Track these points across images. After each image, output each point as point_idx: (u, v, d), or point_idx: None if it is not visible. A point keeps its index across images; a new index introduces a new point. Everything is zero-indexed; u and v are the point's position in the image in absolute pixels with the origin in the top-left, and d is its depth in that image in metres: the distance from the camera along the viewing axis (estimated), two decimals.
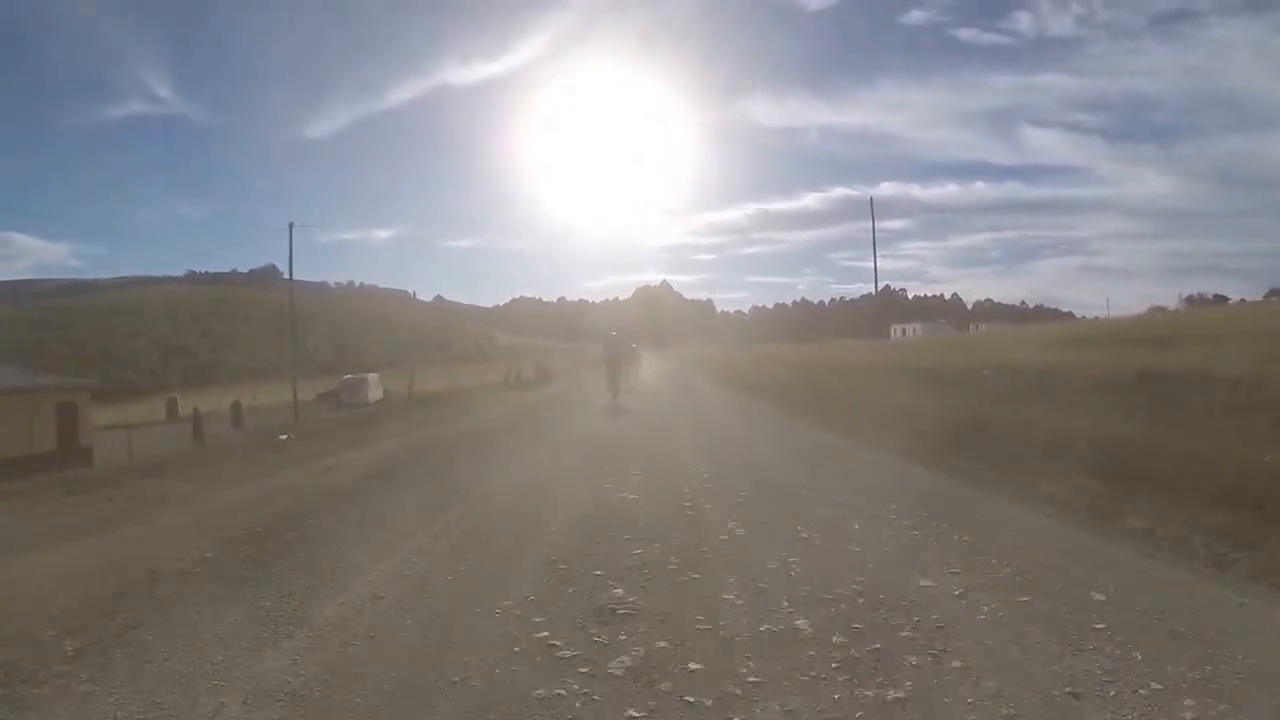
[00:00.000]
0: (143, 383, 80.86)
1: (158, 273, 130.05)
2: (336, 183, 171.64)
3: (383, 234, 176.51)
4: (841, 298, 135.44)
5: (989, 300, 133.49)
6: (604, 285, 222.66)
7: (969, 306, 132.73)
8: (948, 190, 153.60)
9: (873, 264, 72.22)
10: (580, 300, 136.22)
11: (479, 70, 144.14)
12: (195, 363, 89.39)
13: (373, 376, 45.97)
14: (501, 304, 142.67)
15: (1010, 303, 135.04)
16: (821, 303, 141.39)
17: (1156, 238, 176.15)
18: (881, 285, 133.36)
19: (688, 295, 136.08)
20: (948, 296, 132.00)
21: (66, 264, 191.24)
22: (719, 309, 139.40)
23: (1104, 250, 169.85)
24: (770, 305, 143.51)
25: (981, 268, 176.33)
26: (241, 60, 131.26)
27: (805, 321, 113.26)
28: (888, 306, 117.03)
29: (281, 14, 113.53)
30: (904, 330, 71.06)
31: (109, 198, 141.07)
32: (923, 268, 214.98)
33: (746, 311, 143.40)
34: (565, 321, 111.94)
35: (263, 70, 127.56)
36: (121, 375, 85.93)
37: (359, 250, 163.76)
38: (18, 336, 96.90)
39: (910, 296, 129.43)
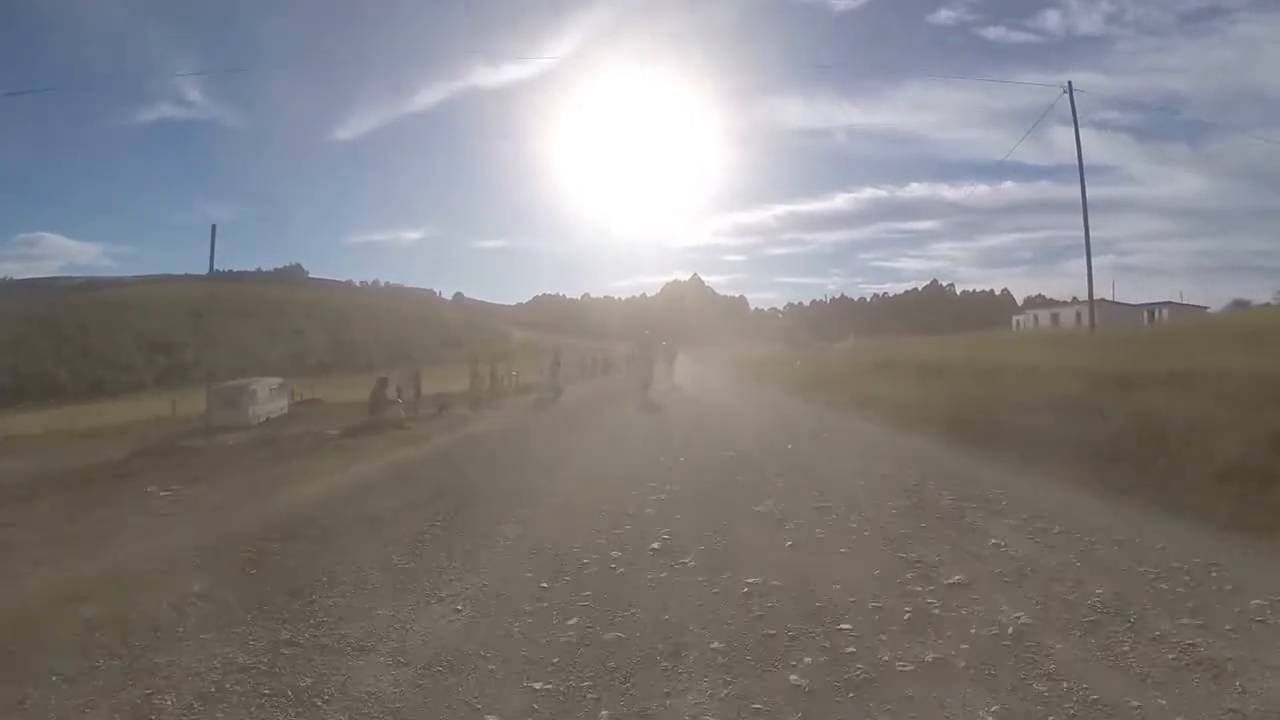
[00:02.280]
0: (110, 382, 71.50)
1: (184, 272, 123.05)
2: (366, 184, 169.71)
3: (412, 235, 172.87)
4: (884, 294, 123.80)
5: (1040, 296, 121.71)
6: (632, 285, 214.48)
7: (1019, 302, 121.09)
8: (977, 190, 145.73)
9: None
10: (605, 297, 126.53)
11: (508, 73, 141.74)
12: (177, 360, 79.32)
13: (270, 383, 32.00)
14: (524, 301, 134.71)
15: (1061, 298, 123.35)
16: (862, 299, 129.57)
17: (1187, 236, 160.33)
18: (927, 281, 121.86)
19: (719, 292, 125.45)
20: (997, 292, 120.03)
21: (98, 264, 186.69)
22: (752, 306, 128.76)
23: (1135, 250, 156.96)
24: (806, 302, 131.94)
25: (1012, 268, 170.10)
26: (271, 65, 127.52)
27: (847, 318, 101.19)
28: (935, 302, 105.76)
29: (311, 19, 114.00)
30: (1035, 318, 57.97)
31: (141, 199, 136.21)
32: (953, 268, 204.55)
33: (781, 309, 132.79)
34: (589, 319, 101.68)
35: (292, 74, 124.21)
36: (96, 373, 76.93)
37: (389, 251, 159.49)
38: None
39: (959, 292, 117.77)
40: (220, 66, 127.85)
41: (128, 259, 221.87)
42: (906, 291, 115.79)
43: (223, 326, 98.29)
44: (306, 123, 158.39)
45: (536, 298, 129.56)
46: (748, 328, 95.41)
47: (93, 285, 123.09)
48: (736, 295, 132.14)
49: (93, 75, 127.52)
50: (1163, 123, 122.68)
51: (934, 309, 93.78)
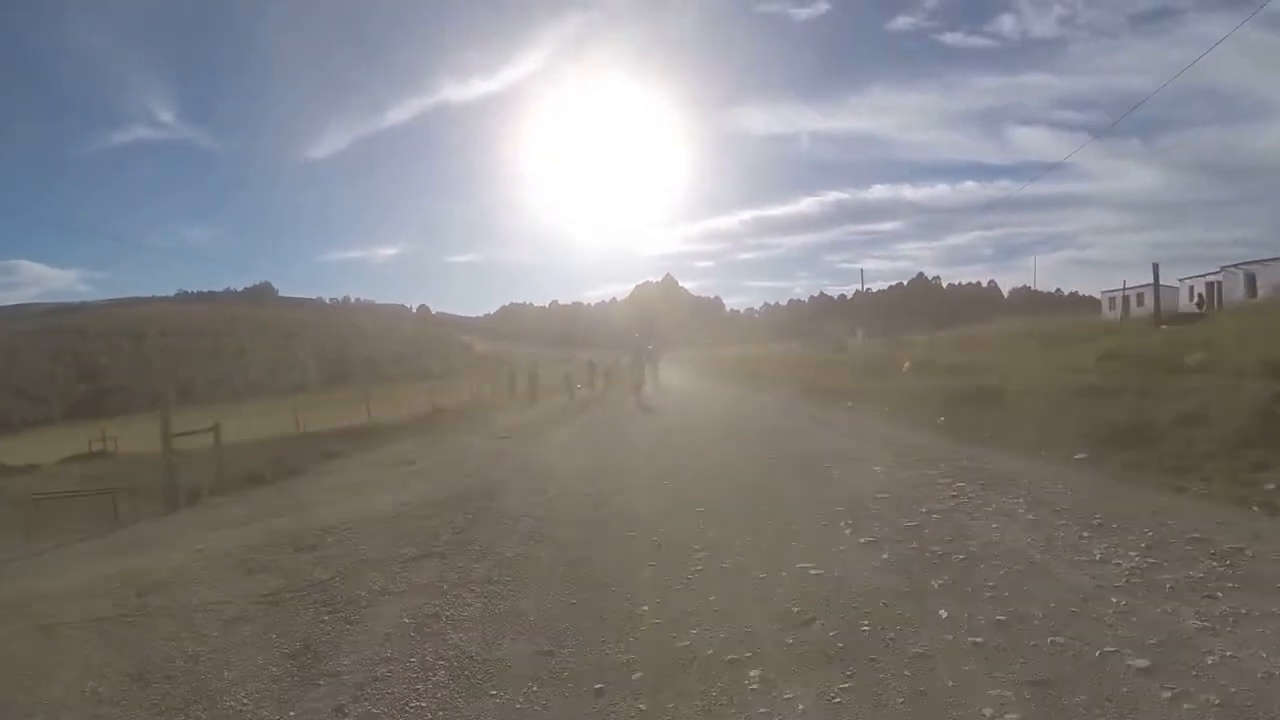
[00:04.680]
0: (18, 413, 61.94)
1: (157, 294, 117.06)
2: (340, 202, 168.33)
3: (386, 251, 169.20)
4: (867, 289, 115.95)
5: (1025, 288, 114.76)
6: (602, 294, 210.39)
7: (1005, 294, 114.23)
8: (938, 191, 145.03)
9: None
10: (574, 303, 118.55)
11: (477, 87, 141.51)
12: (101, 387, 70.53)
13: None
14: (491, 312, 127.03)
15: (1046, 290, 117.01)
16: (843, 296, 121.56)
17: (1143, 229, 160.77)
18: (913, 276, 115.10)
19: (693, 292, 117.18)
20: (985, 284, 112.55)
21: (74, 289, 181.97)
22: (728, 308, 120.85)
23: (1093, 243, 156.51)
24: (784, 302, 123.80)
25: (974, 265, 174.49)
26: (244, 85, 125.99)
27: (830, 316, 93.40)
28: (923, 296, 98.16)
29: (282, 39, 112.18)
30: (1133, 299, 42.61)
31: (116, 223, 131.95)
32: (917, 267, 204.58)
33: (758, 309, 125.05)
34: (556, 328, 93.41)
35: (265, 94, 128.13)
36: (4, 404, 67.82)
37: (364, 268, 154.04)
38: None
39: (945, 285, 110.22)
40: (194, 89, 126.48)
41: (103, 284, 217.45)
42: (891, 286, 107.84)
43: (165, 348, 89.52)
44: (280, 142, 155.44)
45: (504, 308, 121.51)
46: (730, 329, 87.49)
47: (60, 310, 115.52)
48: (712, 296, 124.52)
49: (68, 100, 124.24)
50: (1117, 120, 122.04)
51: (923, 303, 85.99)
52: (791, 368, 24.20)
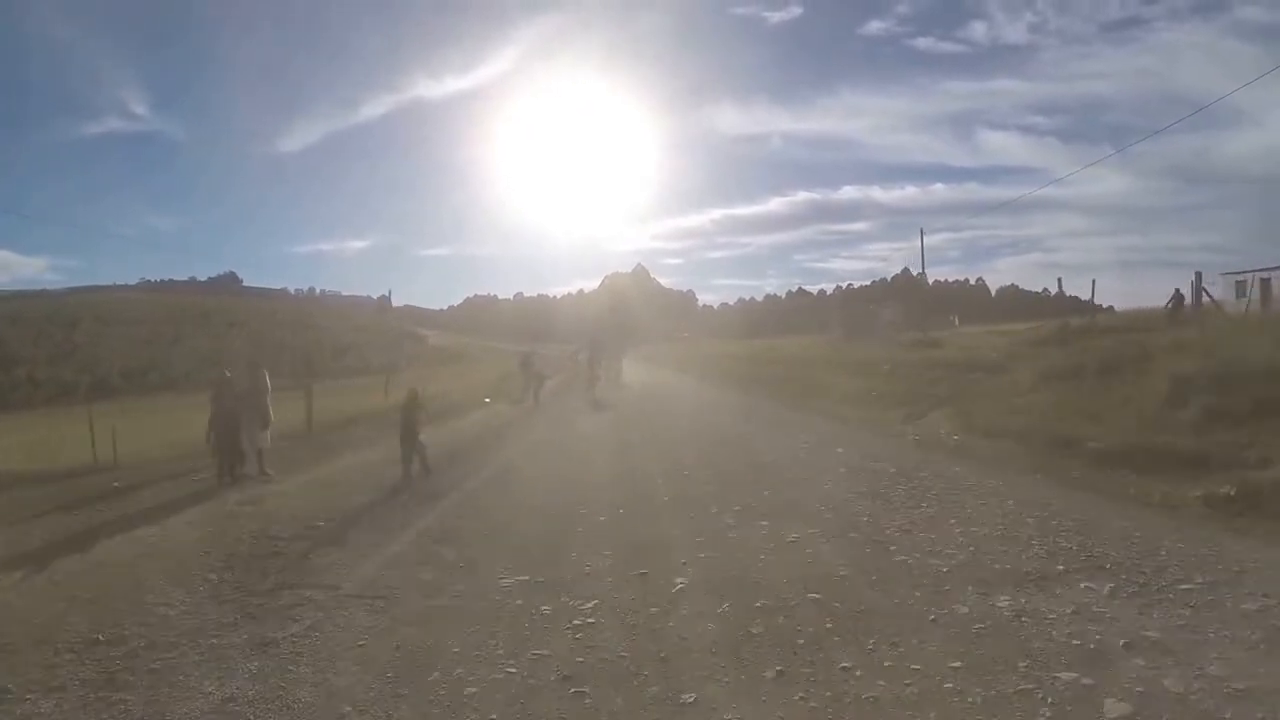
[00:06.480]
0: None
1: (120, 283, 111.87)
2: (312, 194, 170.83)
3: (358, 244, 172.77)
4: (848, 285, 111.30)
5: (1014, 286, 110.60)
6: (570, 288, 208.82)
7: (993, 293, 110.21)
8: (908, 193, 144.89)
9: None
10: (539, 295, 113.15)
11: (450, 84, 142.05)
12: (14, 378, 63.25)
13: None
14: (455, 304, 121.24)
15: (1033, 289, 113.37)
16: (822, 291, 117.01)
17: (1112, 234, 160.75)
18: (878, 278, 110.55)
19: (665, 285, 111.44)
20: (972, 282, 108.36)
21: (43, 277, 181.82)
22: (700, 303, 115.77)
23: (1061, 247, 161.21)
24: (759, 298, 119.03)
25: (942, 267, 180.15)
26: (218, 77, 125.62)
27: (810, 313, 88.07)
28: (912, 293, 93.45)
29: (257, 32, 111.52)
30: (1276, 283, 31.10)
31: (88, 213, 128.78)
32: (886, 268, 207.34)
33: (732, 303, 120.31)
34: (526, 320, 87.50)
35: (238, 87, 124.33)
36: None
37: (335, 260, 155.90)
38: None
39: (931, 282, 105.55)
40: (167, 80, 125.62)
41: (71, 272, 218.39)
42: (874, 282, 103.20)
43: (97, 335, 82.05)
44: (252, 134, 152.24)
45: (468, 300, 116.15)
46: (704, 324, 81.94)
47: (18, 298, 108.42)
48: (685, 289, 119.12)
49: (40, 89, 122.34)
50: (1087, 126, 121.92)
51: (914, 300, 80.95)
52: (889, 379, 15.59)
